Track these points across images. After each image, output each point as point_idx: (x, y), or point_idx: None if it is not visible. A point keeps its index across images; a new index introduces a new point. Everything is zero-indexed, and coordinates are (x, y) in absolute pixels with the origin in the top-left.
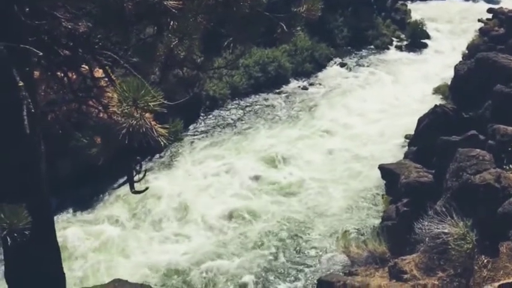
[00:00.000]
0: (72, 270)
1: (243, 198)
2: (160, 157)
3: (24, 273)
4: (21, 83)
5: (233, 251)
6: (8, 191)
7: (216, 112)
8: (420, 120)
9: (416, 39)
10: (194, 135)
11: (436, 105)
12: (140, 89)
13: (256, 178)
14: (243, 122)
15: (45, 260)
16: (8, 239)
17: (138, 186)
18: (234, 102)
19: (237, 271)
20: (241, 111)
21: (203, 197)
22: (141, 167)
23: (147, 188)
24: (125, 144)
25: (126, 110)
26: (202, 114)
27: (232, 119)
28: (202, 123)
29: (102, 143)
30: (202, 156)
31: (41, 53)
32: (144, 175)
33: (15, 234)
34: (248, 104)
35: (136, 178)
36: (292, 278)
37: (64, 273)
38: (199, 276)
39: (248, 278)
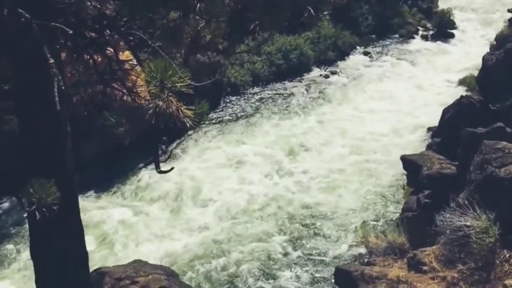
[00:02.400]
0: None
1: (252, 191)
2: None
3: (49, 249)
4: (51, 60)
5: (241, 243)
6: (36, 166)
7: (235, 99)
8: (445, 111)
9: (442, 28)
10: (209, 122)
11: (462, 96)
12: (168, 69)
13: (269, 170)
14: (259, 111)
15: (69, 237)
16: (37, 214)
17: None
18: (255, 89)
19: (247, 261)
20: (260, 99)
21: (212, 186)
22: (167, 147)
23: (172, 168)
24: (151, 125)
25: (153, 90)
26: (222, 101)
27: (249, 108)
28: (220, 111)
29: (129, 123)
30: (209, 146)
31: (71, 31)
32: (170, 155)
33: (44, 209)
34: (268, 92)
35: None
36: (309, 268)
37: (87, 251)
38: (206, 268)
39: (259, 268)
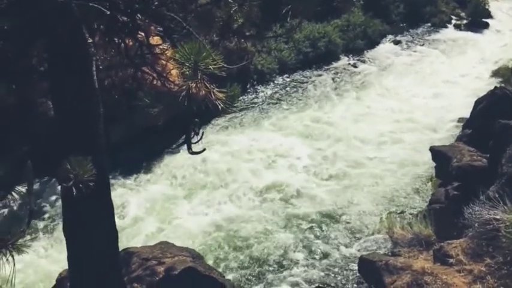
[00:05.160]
0: None
1: (277, 177)
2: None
3: (81, 227)
4: (90, 40)
5: (257, 232)
6: (70, 145)
7: (260, 87)
8: (477, 102)
9: (477, 18)
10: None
11: (495, 87)
12: (201, 51)
13: (289, 159)
14: (283, 100)
15: (100, 216)
16: (74, 190)
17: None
18: (281, 77)
19: (265, 250)
20: (286, 88)
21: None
22: (199, 128)
23: (204, 149)
24: (184, 107)
25: (186, 72)
26: (248, 88)
27: (273, 96)
28: (245, 97)
29: (162, 105)
30: (216, 137)
31: (108, 12)
32: (202, 136)
33: (80, 185)
34: (294, 81)
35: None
36: (331, 257)
37: (117, 230)
38: (227, 253)
39: (278, 257)
